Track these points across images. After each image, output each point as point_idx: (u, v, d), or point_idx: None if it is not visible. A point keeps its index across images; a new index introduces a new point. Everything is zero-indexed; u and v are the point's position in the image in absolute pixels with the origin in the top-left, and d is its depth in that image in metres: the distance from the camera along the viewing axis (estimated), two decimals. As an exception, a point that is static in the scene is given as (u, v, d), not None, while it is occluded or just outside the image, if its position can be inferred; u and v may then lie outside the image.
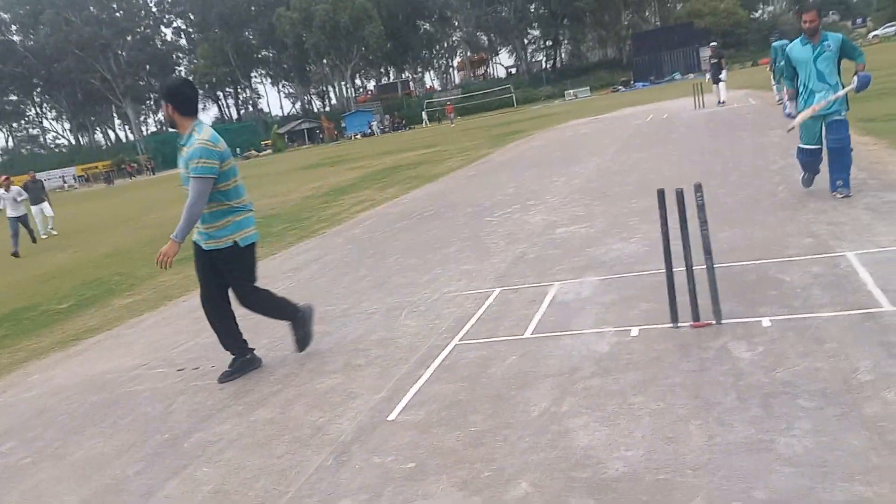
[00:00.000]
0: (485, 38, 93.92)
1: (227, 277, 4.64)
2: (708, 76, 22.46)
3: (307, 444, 3.49)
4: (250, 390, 4.40)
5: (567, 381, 3.64)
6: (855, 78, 6.33)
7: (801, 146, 6.91)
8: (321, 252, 8.97)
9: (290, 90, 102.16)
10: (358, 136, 66.94)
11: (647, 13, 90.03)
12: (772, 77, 18.50)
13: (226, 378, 4.65)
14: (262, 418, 3.93)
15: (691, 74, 59.53)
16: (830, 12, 79.57)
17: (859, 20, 76.75)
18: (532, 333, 4.44)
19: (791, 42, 6.96)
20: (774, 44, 16.33)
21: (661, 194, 4.02)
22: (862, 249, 4.87)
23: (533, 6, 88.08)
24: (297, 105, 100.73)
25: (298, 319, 4.79)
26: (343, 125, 73.15)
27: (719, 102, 20.71)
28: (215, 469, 3.43)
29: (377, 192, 15.13)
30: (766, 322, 3.92)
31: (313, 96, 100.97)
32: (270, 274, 8.05)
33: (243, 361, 4.77)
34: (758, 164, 9.38)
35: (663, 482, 2.62)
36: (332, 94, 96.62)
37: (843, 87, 6.47)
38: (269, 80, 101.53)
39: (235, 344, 4.78)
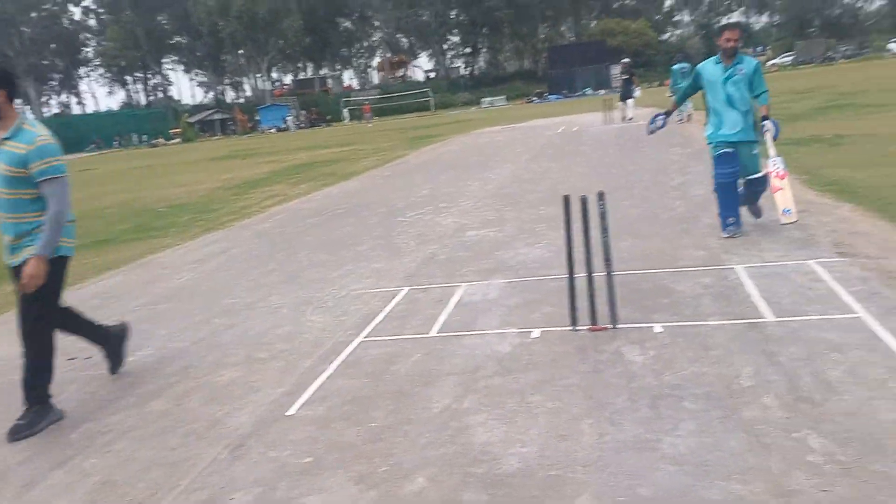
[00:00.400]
0: (405, 40, 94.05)
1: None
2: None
3: (202, 437, 3.42)
4: (145, 382, 4.27)
5: (469, 380, 3.71)
6: (770, 125, 5.95)
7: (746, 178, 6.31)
8: (228, 244, 8.77)
9: (204, 79, 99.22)
10: (272, 130, 65.58)
11: (562, 28, 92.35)
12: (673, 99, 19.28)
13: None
14: (156, 410, 3.82)
15: (602, 90, 61.35)
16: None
17: (759, 48, 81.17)
18: (437, 332, 4.50)
19: (694, 64, 6.88)
20: (674, 67, 17.16)
21: (566, 200, 4.16)
22: (749, 263, 5.17)
23: (454, 13, 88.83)
24: (210, 95, 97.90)
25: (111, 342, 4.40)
26: (257, 118, 71.54)
27: (626, 119, 21.41)
28: (103, 460, 3.32)
29: (290, 188, 14.90)
30: (658, 328, 4.11)
31: (227, 87, 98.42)
32: (173, 265, 7.83)
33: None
34: (659, 179, 9.79)
35: (554, 478, 2.72)
36: (246, 86, 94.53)
37: (755, 120, 6.18)
38: (182, 68, 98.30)
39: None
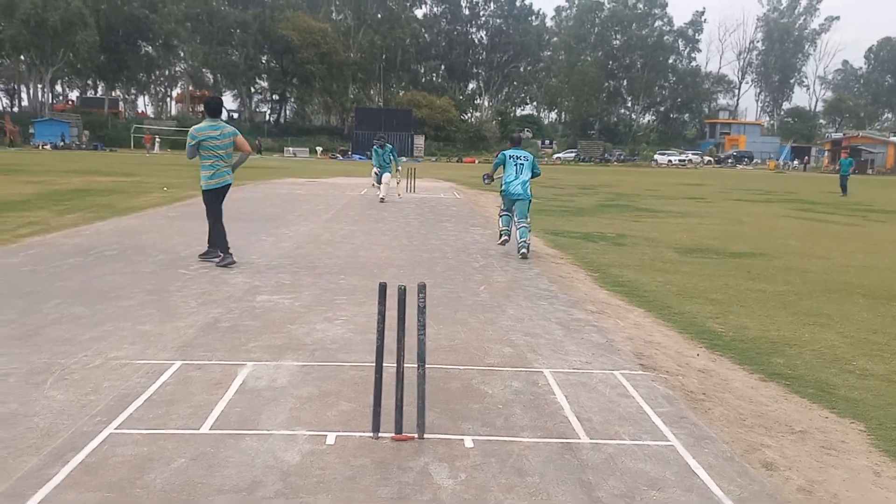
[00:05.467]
0: (210, 76, 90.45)
1: None
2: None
3: None
4: None
5: (245, 501, 3.00)
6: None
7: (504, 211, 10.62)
8: (-43, 280, 7.22)
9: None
10: (47, 147, 59.31)
11: (371, 91, 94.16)
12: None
13: None
14: None
15: (404, 157, 62.88)
16: (525, 129, 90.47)
17: (547, 141, 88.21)
18: (210, 429, 3.72)
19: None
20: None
21: (382, 288, 3.65)
22: (557, 368, 4.96)
23: (265, 58, 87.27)
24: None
25: None
26: (31, 131, 64.45)
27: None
28: None
29: (54, 216, 13.04)
30: (468, 442, 3.68)
31: (0, 93, 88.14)
32: None
33: None
34: (462, 258, 9.67)
35: None
36: (24, 95, 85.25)
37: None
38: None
39: None
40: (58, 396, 4.09)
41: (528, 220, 10.24)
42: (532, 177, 10.42)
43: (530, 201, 10.39)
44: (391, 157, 18.36)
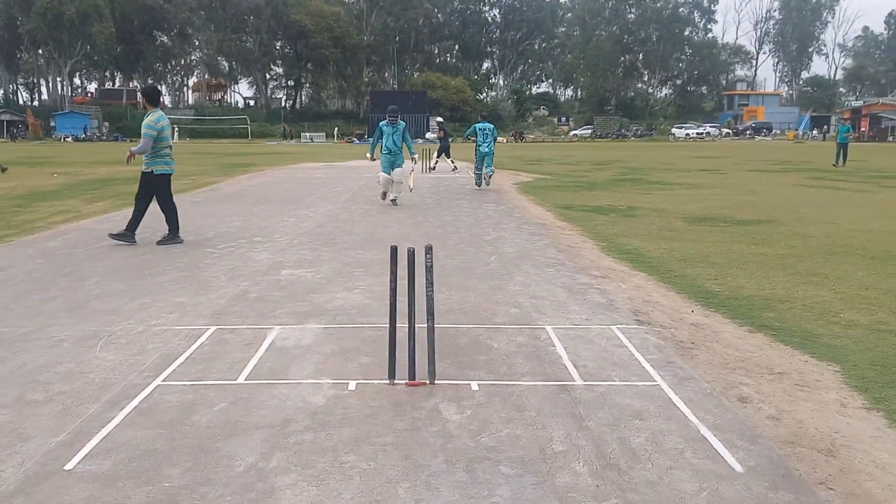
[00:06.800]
0: (225, 64, 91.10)
1: None
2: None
3: (-48, 497, 2.88)
4: None
5: (279, 434, 3.46)
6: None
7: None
8: (5, 262, 7.76)
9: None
10: (69, 139, 60.32)
11: (386, 74, 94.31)
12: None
13: None
14: None
15: (420, 139, 63.15)
16: (542, 107, 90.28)
17: (563, 119, 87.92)
18: (245, 379, 4.19)
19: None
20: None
21: (393, 251, 4.08)
22: (558, 325, 5.38)
23: (279, 44, 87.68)
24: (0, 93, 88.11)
25: None
26: (52, 124, 65.50)
27: (450, 168, 22.34)
28: None
29: (84, 204, 13.63)
30: (474, 386, 4.11)
31: (21, 87, 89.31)
32: (-69, 282, 6.78)
33: None
34: (473, 232, 10.08)
35: (369, 547, 2.56)
36: (43, 89, 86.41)
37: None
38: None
39: None
40: (108, 357, 4.59)
41: (492, 166, 16.87)
42: (493, 140, 16.44)
43: (493, 154, 16.63)
44: (403, 140, 13.28)
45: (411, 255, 4.07)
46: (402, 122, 13.43)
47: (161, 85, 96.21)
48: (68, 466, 3.13)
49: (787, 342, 5.08)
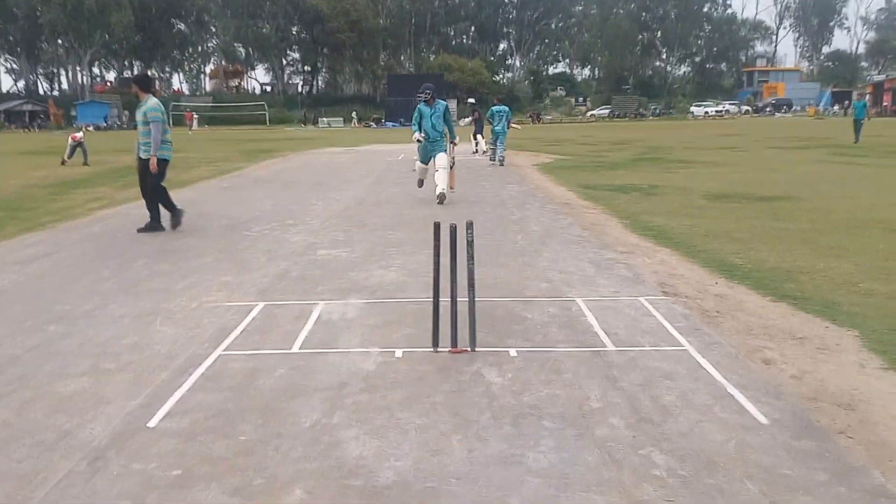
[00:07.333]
0: (242, 50, 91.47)
1: None
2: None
3: (52, 449, 3.21)
4: (-25, 391, 3.90)
5: (336, 396, 3.77)
6: None
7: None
8: (52, 247, 8.13)
9: (14, 66, 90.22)
10: (90, 128, 61.02)
11: (402, 58, 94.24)
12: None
13: None
14: (-8, 421, 3.52)
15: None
16: (559, 87, 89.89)
17: (580, 99, 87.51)
18: (299, 349, 4.50)
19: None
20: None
21: (436, 226, 4.35)
22: (588, 297, 5.64)
23: (295, 29, 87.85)
24: (21, 84, 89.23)
25: None
26: (73, 114, 66.26)
27: (474, 152, 22.54)
28: (-65, 474, 3.01)
29: (116, 191, 14.03)
30: (513, 352, 4.39)
31: (41, 77, 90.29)
32: (-10, 265, 7.16)
33: None
34: (499, 212, 10.33)
35: (431, 490, 2.85)
36: (63, 79, 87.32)
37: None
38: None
39: None
40: (168, 331, 4.92)
41: (504, 144, 19.07)
42: (507, 121, 18.92)
43: (505, 133, 19.00)
44: (443, 122, 11.62)
45: (453, 230, 4.34)
46: (441, 101, 11.75)
47: (178, 73, 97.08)
48: (151, 424, 3.45)
49: (808, 310, 5.30)
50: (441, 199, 11.15)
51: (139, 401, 3.73)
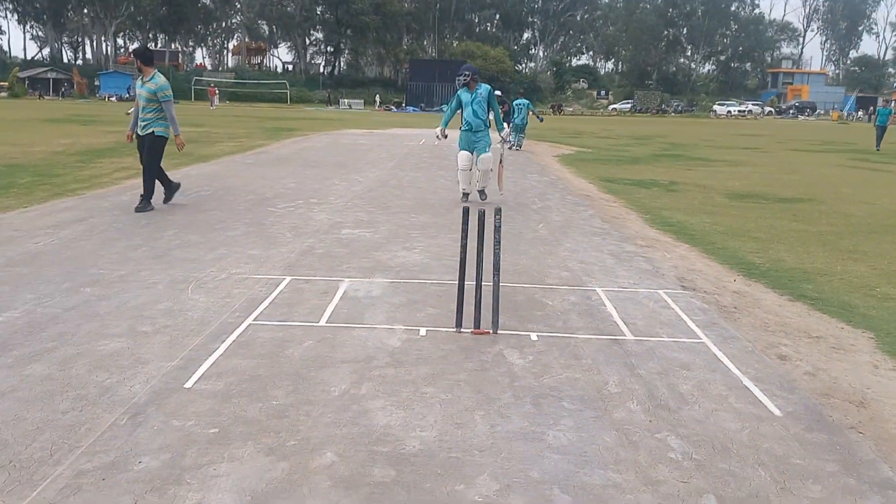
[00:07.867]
0: (266, 27, 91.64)
1: None
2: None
3: (95, 403, 3.37)
4: (19, 344, 4.08)
5: (363, 368, 3.91)
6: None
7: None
8: (84, 213, 8.33)
9: (40, 33, 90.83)
10: (113, 99, 61.51)
11: (425, 42, 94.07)
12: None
13: None
14: (37, 374, 3.68)
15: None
16: (581, 80, 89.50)
17: (602, 92, 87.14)
18: (327, 322, 4.65)
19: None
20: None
21: (465, 211, 4.47)
22: (608, 287, 5.75)
23: (320, 9, 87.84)
24: (46, 51, 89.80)
25: None
26: (97, 83, 66.76)
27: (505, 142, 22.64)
28: (-12, 421, 3.18)
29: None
30: (534, 336, 4.52)
31: (66, 45, 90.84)
32: (25, 228, 7.36)
33: None
34: (521, 201, 10.43)
35: (455, 459, 2.99)
36: (88, 48, 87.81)
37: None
38: (16, 18, 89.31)
39: None
40: (200, 299, 5.08)
41: (524, 134, 21.22)
42: (526, 113, 20.87)
43: (525, 125, 21.04)
44: (487, 109, 9.90)
45: (482, 216, 4.46)
46: (483, 84, 10.01)
47: (202, 47, 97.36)
48: (188, 385, 3.61)
49: (824, 311, 5.39)
50: (482, 195, 10.19)
51: (175, 363, 3.89)
